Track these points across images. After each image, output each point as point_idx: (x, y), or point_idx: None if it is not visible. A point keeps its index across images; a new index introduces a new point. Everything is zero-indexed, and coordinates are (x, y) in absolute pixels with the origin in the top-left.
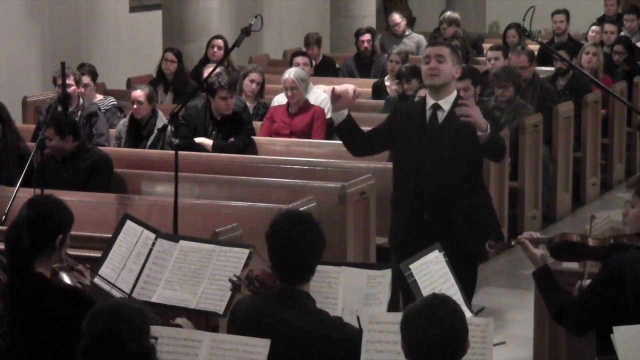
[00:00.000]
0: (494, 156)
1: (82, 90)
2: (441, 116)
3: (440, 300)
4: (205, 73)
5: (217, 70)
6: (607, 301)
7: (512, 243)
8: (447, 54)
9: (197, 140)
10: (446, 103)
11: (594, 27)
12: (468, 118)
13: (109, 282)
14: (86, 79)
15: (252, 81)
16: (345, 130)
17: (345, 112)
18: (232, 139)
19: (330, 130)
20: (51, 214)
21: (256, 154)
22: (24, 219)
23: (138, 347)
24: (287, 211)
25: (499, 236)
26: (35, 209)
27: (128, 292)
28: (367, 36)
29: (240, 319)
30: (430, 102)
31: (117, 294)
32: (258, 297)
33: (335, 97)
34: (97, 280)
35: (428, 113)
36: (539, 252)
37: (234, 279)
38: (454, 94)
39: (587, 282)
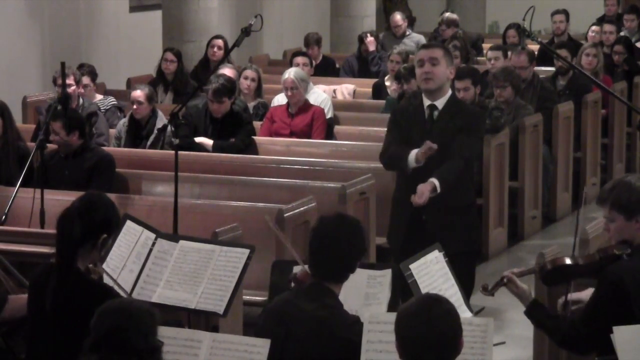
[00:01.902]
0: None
1: (82, 90)
2: (436, 116)
3: (434, 300)
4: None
5: (226, 71)
6: (614, 314)
7: (504, 281)
8: (440, 57)
9: (197, 140)
10: (441, 104)
11: (593, 27)
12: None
13: (114, 280)
14: (86, 80)
15: (246, 78)
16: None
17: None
18: (233, 139)
19: (331, 130)
20: (100, 210)
21: (257, 154)
22: (75, 209)
23: (144, 344)
24: (339, 212)
25: (478, 241)
26: (85, 202)
27: (128, 292)
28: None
29: (270, 310)
30: (426, 102)
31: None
32: (291, 291)
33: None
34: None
35: (425, 113)
36: (526, 287)
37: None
38: (449, 93)
39: (574, 296)
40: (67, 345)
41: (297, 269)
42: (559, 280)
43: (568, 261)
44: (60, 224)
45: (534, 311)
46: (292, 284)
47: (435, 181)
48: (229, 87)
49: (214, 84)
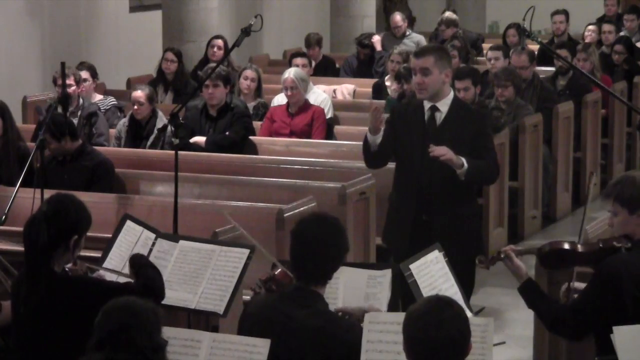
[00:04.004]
0: (480, 184)
1: (82, 90)
2: (439, 118)
3: (445, 303)
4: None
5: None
6: (606, 305)
7: (502, 256)
8: (431, 65)
9: (192, 140)
10: (444, 105)
11: (590, 27)
12: (443, 157)
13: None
14: (85, 74)
15: (245, 78)
16: (378, 152)
17: (380, 134)
18: (227, 133)
19: (331, 130)
20: (68, 212)
21: (256, 153)
22: (42, 214)
23: (149, 342)
24: (317, 212)
25: (480, 249)
26: (53, 205)
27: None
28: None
29: (252, 315)
30: (427, 104)
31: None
32: (273, 295)
33: (379, 117)
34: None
35: (426, 114)
36: (522, 265)
37: (257, 289)
38: (451, 95)
39: (576, 284)
40: (54, 345)
41: (274, 271)
42: (557, 264)
43: (567, 246)
44: (26, 230)
45: (527, 289)
46: (270, 286)
47: (464, 160)
48: (225, 74)
49: (208, 70)
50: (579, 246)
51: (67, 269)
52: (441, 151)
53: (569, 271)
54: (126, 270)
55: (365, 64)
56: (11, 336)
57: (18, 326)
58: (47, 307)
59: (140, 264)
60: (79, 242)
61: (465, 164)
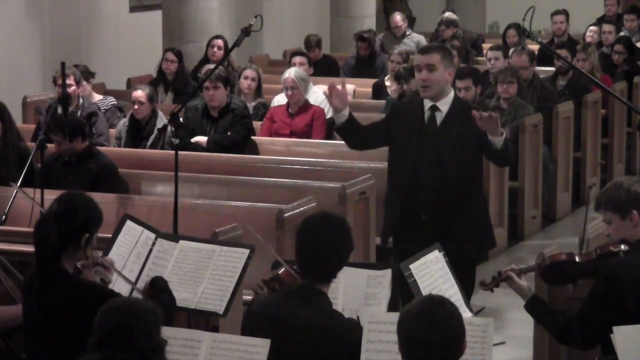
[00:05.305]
0: (501, 162)
1: (82, 92)
2: (439, 117)
3: (438, 302)
4: (203, 72)
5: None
6: (609, 308)
7: (503, 277)
8: (437, 61)
9: (193, 140)
10: (444, 105)
11: (591, 27)
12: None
13: (128, 281)
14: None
15: (245, 78)
16: (346, 131)
17: (346, 112)
18: (229, 133)
19: (331, 130)
20: (79, 211)
21: (257, 154)
22: (52, 213)
23: (148, 342)
24: (323, 211)
25: (492, 243)
26: (64, 204)
27: (132, 281)
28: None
29: (256, 313)
30: (428, 103)
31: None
32: (277, 293)
33: (332, 96)
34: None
35: (426, 114)
36: (525, 283)
37: (258, 289)
38: (451, 94)
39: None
40: (63, 346)
41: (277, 270)
42: (558, 278)
43: (565, 257)
44: (37, 230)
45: (533, 305)
46: (273, 285)
47: (504, 132)
48: (225, 75)
49: (209, 72)
50: (576, 256)
51: (78, 265)
52: (488, 117)
53: (568, 287)
54: (130, 276)
55: (365, 61)
56: (21, 335)
57: (30, 325)
58: (60, 307)
59: (159, 287)
60: (90, 240)
61: (505, 133)
